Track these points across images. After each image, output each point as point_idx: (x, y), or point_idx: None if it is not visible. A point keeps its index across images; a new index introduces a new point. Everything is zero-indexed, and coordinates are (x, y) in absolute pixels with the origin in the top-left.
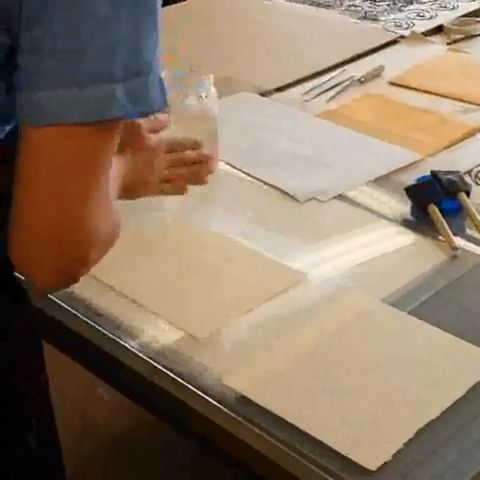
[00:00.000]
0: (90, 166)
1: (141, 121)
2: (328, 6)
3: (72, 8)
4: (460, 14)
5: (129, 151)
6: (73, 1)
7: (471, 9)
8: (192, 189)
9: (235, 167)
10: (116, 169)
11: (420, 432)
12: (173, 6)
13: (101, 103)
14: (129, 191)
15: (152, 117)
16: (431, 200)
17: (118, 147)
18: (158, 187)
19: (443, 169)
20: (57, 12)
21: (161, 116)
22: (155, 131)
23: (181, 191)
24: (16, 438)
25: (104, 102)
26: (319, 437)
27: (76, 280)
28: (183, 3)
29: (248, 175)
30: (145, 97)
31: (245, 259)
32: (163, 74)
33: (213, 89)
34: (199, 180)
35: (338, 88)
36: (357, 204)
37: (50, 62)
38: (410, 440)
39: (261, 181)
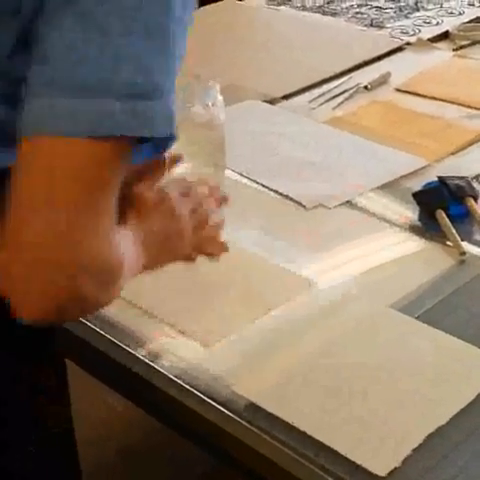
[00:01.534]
0: (85, 183)
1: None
2: (334, 14)
3: (80, 18)
4: (466, 20)
5: (134, 218)
6: (82, 10)
7: (477, 15)
8: None
9: (242, 174)
10: (129, 240)
11: (430, 437)
12: None
13: (97, 117)
14: (155, 261)
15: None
16: (439, 205)
17: (121, 218)
18: (189, 254)
19: (450, 174)
20: (65, 21)
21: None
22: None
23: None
24: (16, 438)
25: (100, 117)
26: (328, 443)
27: (67, 313)
28: None
29: (255, 182)
30: (149, 121)
31: (252, 266)
32: None
33: (220, 97)
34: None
35: (345, 95)
36: (364, 210)
37: (50, 71)
38: (420, 445)
39: (268, 188)
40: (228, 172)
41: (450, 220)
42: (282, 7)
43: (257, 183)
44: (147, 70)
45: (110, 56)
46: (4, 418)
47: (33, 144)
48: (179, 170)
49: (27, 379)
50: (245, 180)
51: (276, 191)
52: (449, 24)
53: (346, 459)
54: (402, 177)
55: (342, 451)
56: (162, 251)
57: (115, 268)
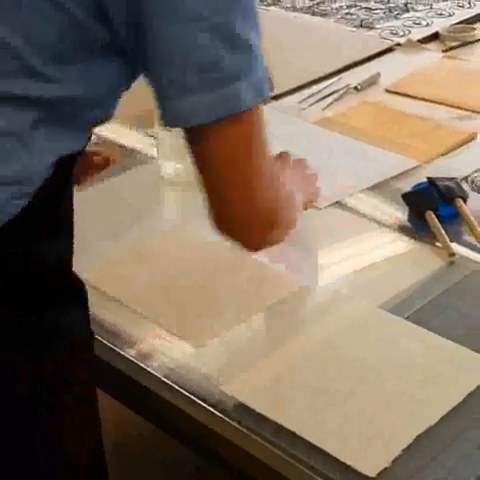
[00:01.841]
0: (246, 153)
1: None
2: (324, 14)
3: (192, 24)
4: (456, 21)
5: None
6: (191, 16)
7: (466, 16)
8: (190, 198)
9: None
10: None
11: (419, 438)
12: None
13: (230, 101)
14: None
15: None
16: (428, 206)
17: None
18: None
19: (440, 175)
20: (183, 30)
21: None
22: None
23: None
24: (16, 438)
25: (233, 99)
26: (318, 444)
27: (274, 236)
28: None
29: None
30: (261, 88)
31: (243, 266)
32: None
33: None
34: None
35: (334, 96)
36: (354, 211)
37: (184, 73)
38: (409, 446)
39: None
40: None
41: (439, 221)
42: (272, 7)
43: None
44: (250, 45)
45: (225, 46)
46: (4, 418)
47: (192, 136)
48: (170, 170)
49: (27, 379)
50: None
51: None
52: (439, 25)
53: (337, 460)
54: (392, 178)
55: (332, 452)
56: (306, 195)
57: (290, 201)
